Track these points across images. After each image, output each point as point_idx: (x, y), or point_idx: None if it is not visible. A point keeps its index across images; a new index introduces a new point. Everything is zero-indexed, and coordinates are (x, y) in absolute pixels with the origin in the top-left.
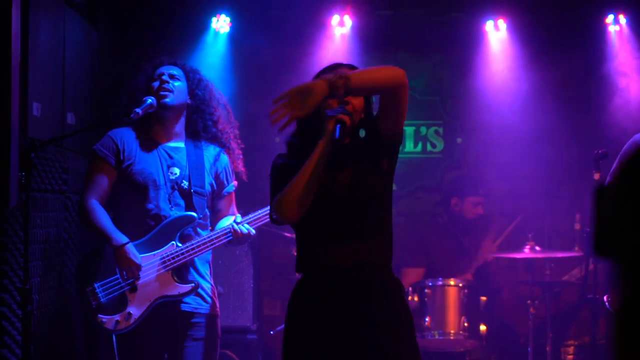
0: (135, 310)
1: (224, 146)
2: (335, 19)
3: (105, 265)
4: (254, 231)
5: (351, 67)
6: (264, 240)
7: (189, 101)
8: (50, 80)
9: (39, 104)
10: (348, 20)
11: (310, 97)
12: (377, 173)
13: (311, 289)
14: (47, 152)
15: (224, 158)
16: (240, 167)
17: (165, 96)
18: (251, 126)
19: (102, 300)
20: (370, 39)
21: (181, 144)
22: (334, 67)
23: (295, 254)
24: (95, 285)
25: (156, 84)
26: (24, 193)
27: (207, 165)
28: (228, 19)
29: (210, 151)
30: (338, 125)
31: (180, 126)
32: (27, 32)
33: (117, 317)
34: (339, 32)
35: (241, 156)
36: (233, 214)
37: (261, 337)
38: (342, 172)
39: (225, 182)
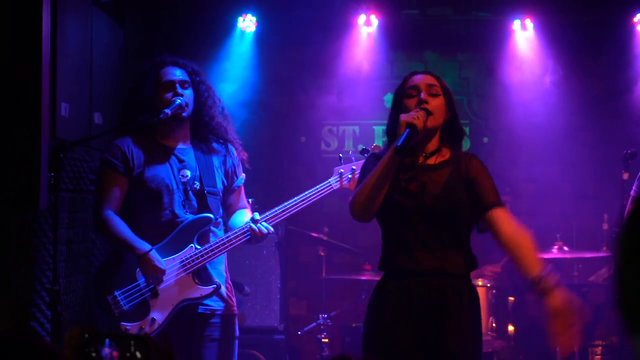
0: (158, 316)
1: (229, 140)
2: (361, 18)
3: (124, 272)
4: (272, 229)
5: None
6: (290, 241)
7: (199, 101)
8: (78, 80)
9: (67, 104)
10: (374, 20)
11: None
12: (465, 187)
13: (393, 289)
14: (75, 153)
15: (232, 152)
16: (243, 156)
17: (183, 110)
18: (277, 126)
19: (124, 308)
20: (397, 38)
21: (188, 146)
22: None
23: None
24: (116, 294)
25: (169, 95)
26: (53, 194)
27: (216, 163)
28: (254, 19)
29: (216, 148)
30: (406, 131)
31: (186, 128)
32: (56, 32)
33: (141, 323)
34: (366, 32)
35: (241, 146)
36: (244, 207)
37: (288, 337)
38: (435, 180)
39: (235, 176)
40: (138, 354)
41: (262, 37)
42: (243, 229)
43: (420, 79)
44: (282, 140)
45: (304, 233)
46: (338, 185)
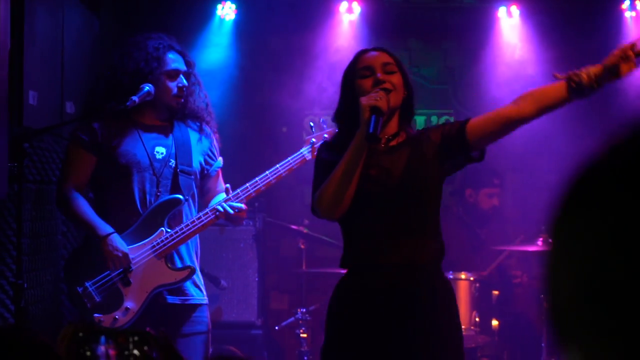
0: (132, 304)
1: (207, 122)
2: (343, 5)
3: (93, 262)
4: (241, 205)
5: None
6: (270, 233)
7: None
8: (48, 68)
9: (35, 92)
10: (357, 7)
11: None
12: (433, 167)
13: (356, 286)
14: (43, 142)
15: (210, 134)
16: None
17: (181, 101)
18: (258, 116)
19: (96, 299)
20: (380, 26)
21: (165, 123)
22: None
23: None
24: (87, 284)
25: (173, 84)
26: (17, 184)
27: (194, 143)
28: (234, 6)
29: (194, 128)
30: (373, 117)
31: (165, 108)
32: (23, 18)
33: (115, 314)
34: (347, 19)
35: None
36: (222, 191)
37: (267, 332)
38: (395, 161)
39: (213, 159)
40: (136, 352)
41: (241, 25)
42: (211, 207)
43: (373, 57)
44: (262, 130)
45: (283, 225)
46: (310, 156)
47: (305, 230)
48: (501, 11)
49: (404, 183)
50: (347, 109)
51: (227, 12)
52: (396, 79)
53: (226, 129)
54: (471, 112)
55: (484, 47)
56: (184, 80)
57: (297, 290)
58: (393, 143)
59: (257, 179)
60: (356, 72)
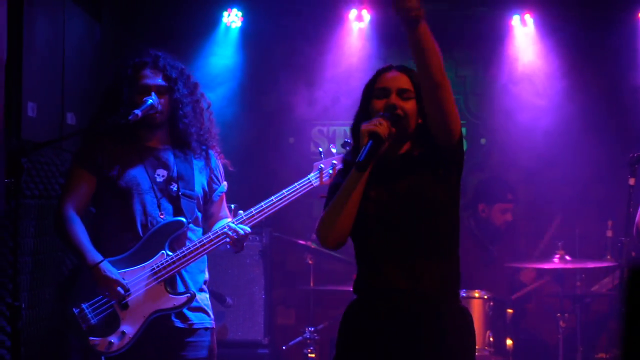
0: (129, 329)
1: (211, 146)
2: (352, 13)
3: (90, 283)
4: (249, 229)
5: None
6: (275, 248)
7: (177, 107)
8: (48, 78)
9: (34, 103)
10: (366, 15)
11: None
12: (437, 183)
13: (363, 313)
14: (43, 156)
15: (214, 159)
16: (224, 160)
17: (156, 112)
18: (265, 125)
19: (92, 321)
20: (390, 34)
21: (167, 147)
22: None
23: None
24: (84, 306)
25: (146, 99)
26: (14, 200)
27: (196, 168)
28: (240, 13)
29: (197, 153)
30: (369, 143)
31: (165, 131)
32: (22, 27)
33: (110, 338)
34: (357, 27)
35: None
36: (226, 217)
37: (274, 352)
38: (399, 184)
39: (216, 183)
40: None
41: (248, 32)
42: (218, 232)
43: (391, 79)
44: (269, 140)
45: (290, 240)
46: (318, 182)
47: (313, 245)
48: (515, 19)
49: (407, 204)
50: (358, 126)
51: (233, 19)
52: (410, 105)
53: (232, 139)
54: (484, 122)
55: (497, 56)
56: (154, 96)
57: (304, 306)
58: (397, 165)
59: (262, 204)
60: (373, 90)
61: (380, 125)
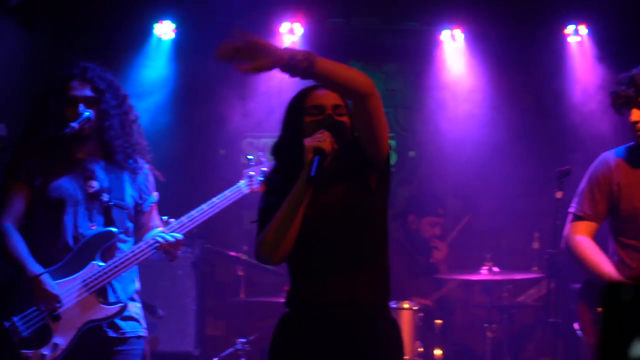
0: (61, 340)
1: (140, 157)
2: (284, 26)
3: (21, 296)
4: (181, 236)
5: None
6: (207, 260)
7: (104, 118)
8: None
9: None
10: (298, 28)
11: (264, 57)
12: (366, 195)
13: (297, 325)
14: None
15: (143, 170)
16: (156, 173)
17: (86, 129)
18: (195, 136)
19: (23, 334)
20: (322, 47)
21: (98, 159)
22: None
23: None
24: (15, 319)
25: (82, 111)
26: None
27: (126, 179)
28: (173, 26)
29: (127, 165)
30: (316, 159)
31: (95, 143)
32: None
33: (43, 350)
34: (289, 40)
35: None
36: (157, 227)
37: None
38: (331, 198)
39: (146, 194)
40: None
41: (181, 44)
42: (148, 241)
43: (324, 96)
44: (200, 152)
45: (222, 252)
46: (248, 190)
47: (244, 257)
48: (444, 34)
49: (340, 218)
50: (289, 145)
51: (165, 31)
52: (345, 120)
53: (163, 150)
54: (414, 135)
55: (427, 70)
56: (84, 108)
57: (234, 317)
58: (328, 180)
59: (193, 212)
60: (304, 108)
61: (324, 141)
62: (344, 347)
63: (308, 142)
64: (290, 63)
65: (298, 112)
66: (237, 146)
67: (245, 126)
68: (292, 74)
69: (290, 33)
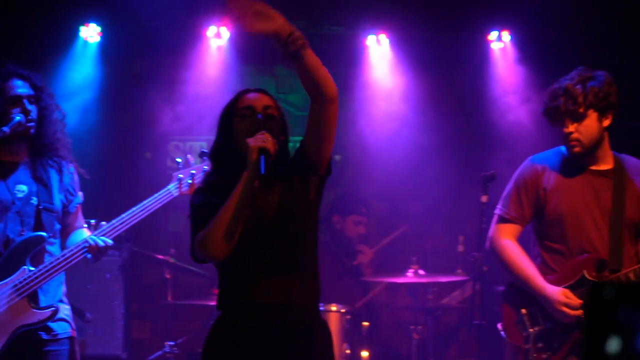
0: None
1: (65, 157)
2: (211, 30)
3: None
4: (110, 242)
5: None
6: (134, 263)
7: (43, 116)
8: None
9: None
10: (225, 32)
11: (265, 21)
12: (303, 200)
13: (230, 328)
14: None
15: (70, 170)
16: (80, 170)
17: (31, 128)
18: (121, 139)
19: None
20: (248, 51)
21: (26, 161)
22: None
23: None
24: None
25: (17, 110)
26: None
27: (54, 180)
28: (99, 28)
29: (55, 166)
30: (262, 157)
31: (24, 144)
32: None
33: None
34: (216, 44)
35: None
36: (81, 227)
37: None
38: (268, 198)
39: (72, 195)
40: None
41: (107, 47)
42: (79, 245)
43: (255, 98)
44: (126, 156)
45: (149, 255)
46: (177, 192)
47: (172, 260)
48: (370, 39)
49: (277, 220)
50: (224, 148)
51: (91, 34)
52: (275, 122)
53: (88, 154)
54: (340, 139)
55: (352, 75)
56: (29, 105)
57: (161, 320)
58: (264, 182)
59: (124, 215)
60: (237, 111)
61: (267, 142)
62: (280, 349)
63: (252, 142)
64: (289, 39)
65: (231, 115)
66: (163, 149)
67: (171, 129)
68: (284, 50)
69: (217, 37)
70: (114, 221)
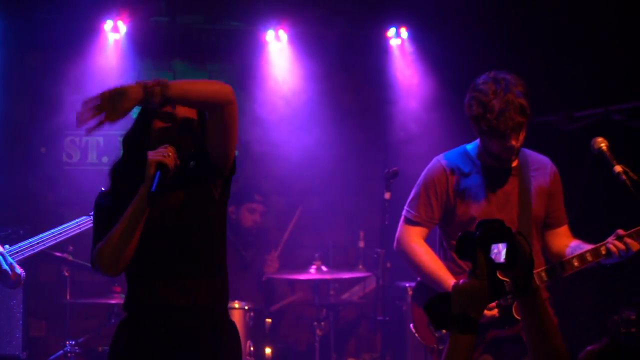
0: None
1: None
2: (108, 24)
3: None
4: (21, 273)
5: None
6: (31, 260)
7: None
8: None
9: None
10: (122, 26)
11: (123, 102)
12: (207, 201)
13: (138, 330)
14: None
15: None
16: None
17: None
18: (15, 135)
19: None
20: (145, 45)
21: None
22: None
23: (66, 274)
24: None
25: None
26: None
27: None
28: None
29: None
30: (157, 174)
31: None
32: None
33: None
34: (113, 38)
35: None
36: None
37: None
38: (170, 201)
39: None
40: None
41: (3, 39)
42: None
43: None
44: (20, 151)
45: (47, 252)
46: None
47: (70, 258)
48: (269, 35)
49: (180, 223)
50: (137, 138)
51: None
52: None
53: None
54: (239, 135)
55: (251, 71)
56: None
57: (58, 318)
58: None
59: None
60: (159, 112)
61: (168, 157)
62: (185, 350)
63: (151, 155)
64: (147, 97)
65: (153, 113)
66: (58, 144)
67: (65, 124)
68: (151, 106)
69: (114, 31)
70: (23, 243)
